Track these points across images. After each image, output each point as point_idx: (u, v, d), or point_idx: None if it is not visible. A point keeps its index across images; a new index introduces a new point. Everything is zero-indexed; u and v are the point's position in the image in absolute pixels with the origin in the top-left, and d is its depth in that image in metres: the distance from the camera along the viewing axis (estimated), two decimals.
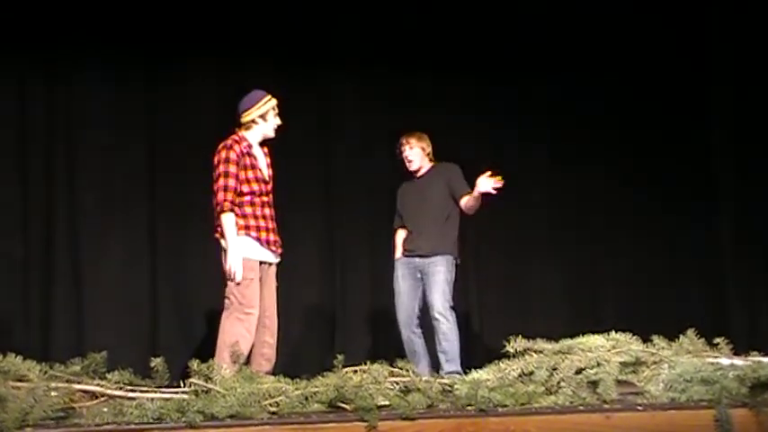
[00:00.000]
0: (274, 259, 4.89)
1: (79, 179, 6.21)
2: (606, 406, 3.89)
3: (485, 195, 5.38)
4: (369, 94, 6.75)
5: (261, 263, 4.81)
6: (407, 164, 5.64)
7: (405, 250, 5.59)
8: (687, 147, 7.15)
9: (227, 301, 4.74)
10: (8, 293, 6.02)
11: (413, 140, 5.61)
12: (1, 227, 6.07)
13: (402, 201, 5.70)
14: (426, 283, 5.46)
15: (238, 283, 4.68)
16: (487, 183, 5.30)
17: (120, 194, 6.28)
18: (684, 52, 7.19)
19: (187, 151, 6.26)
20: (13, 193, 6.12)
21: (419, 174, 5.66)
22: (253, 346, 4.73)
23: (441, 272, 5.42)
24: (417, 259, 5.50)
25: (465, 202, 5.49)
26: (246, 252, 4.72)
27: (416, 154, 5.62)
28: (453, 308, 5.44)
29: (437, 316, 5.36)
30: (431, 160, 5.66)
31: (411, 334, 5.49)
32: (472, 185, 5.42)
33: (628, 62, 7.02)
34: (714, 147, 7.32)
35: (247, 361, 4.55)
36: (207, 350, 4.76)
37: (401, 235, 5.68)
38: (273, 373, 4.37)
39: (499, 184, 5.30)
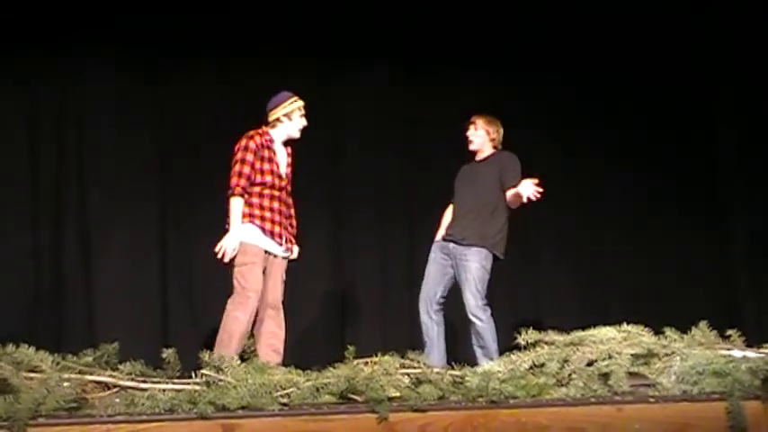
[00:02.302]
0: (280, 251, 4.92)
1: (89, 174, 6.24)
2: (618, 398, 3.88)
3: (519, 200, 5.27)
4: (376, 89, 6.75)
5: (266, 252, 4.85)
6: (468, 143, 5.53)
7: (445, 233, 5.50)
8: (696, 144, 7.13)
9: (233, 286, 4.84)
10: (20, 286, 6.06)
11: (480, 122, 5.50)
12: (13, 223, 6.11)
13: (457, 181, 5.59)
14: (458, 277, 5.37)
15: (230, 263, 4.73)
16: (529, 188, 5.15)
17: (129, 189, 6.31)
18: (691, 51, 7.18)
19: (196, 146, 6.28)
20: (25, 191, 6.16)
21: (479, 158, 5.54)
22: (260, 336, 4.76)
23: (473, 268, 5.30)
24: (452, 245, 5.40)
25: (509, 195, 5.36)
26: (248, 237, 4.81)
27: (479, 136, 5.50)
28: (488, 304, 5.34)
29: (471, 317, 5.29)
30: (495, 147, 5.53)
31: (428, 318, 5.41)
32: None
33: (640, 61, 7.00)
34: (722, 143, 7.30)
35: (255, 353, 4.56)
36: None
37: (447, 215, 5.58)
38: (284, 364, 4.36)
39: (535, 196, 5.18)
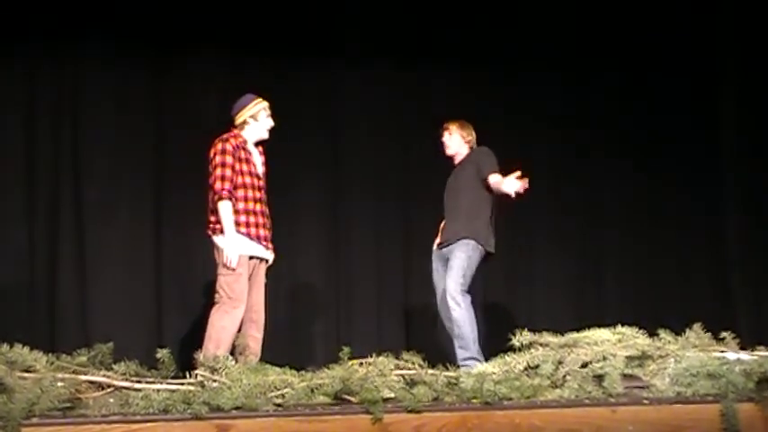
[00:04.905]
0: (265, 255, 4.96)
1: (85, 172, 6.23)
2: (612, 400, 3.89)
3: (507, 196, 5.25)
4: (374, 83, 6.74)
5: (251, 258, 4.87)
6: (445, 149, 5.59)
7: (438, 243, 5.54)
8: (695, 144, 7.12)
9: (217, 295, 4.84)
10: (15, 285, 6.04)
11: (453, 127, 5.56)
12: (8, 220, 6.10)
13: (445, 194, 5.60)
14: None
15: (232, 270, 4.73)
16: (513, 185, 5.12)
17: (125, 187, 6.30)
18: (694, 39, 7.14)
19: (193, 144, 6.24)
20: (21, 188, 6.14)
21: (457, 161, 5.59)
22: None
23: (458, 257, 5.31)
24: (445, 249, 5.45)
25: (492, 183, 5.32)
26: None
27: (453, 140, 5.56)
28: (469, 292, 5.30)
29: (449, 300, 5.26)
30: (471, 148, 5.57)
31: (448, 321, 5.39)
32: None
33: (635, 53, 7.00)
34: (723, 143, 7.29)
35: (233, 353, 4.59)
36: None
37: (442, 226, 5.62)
38: (279, 365, 4.33)
39: (522, 189, 5.12)
